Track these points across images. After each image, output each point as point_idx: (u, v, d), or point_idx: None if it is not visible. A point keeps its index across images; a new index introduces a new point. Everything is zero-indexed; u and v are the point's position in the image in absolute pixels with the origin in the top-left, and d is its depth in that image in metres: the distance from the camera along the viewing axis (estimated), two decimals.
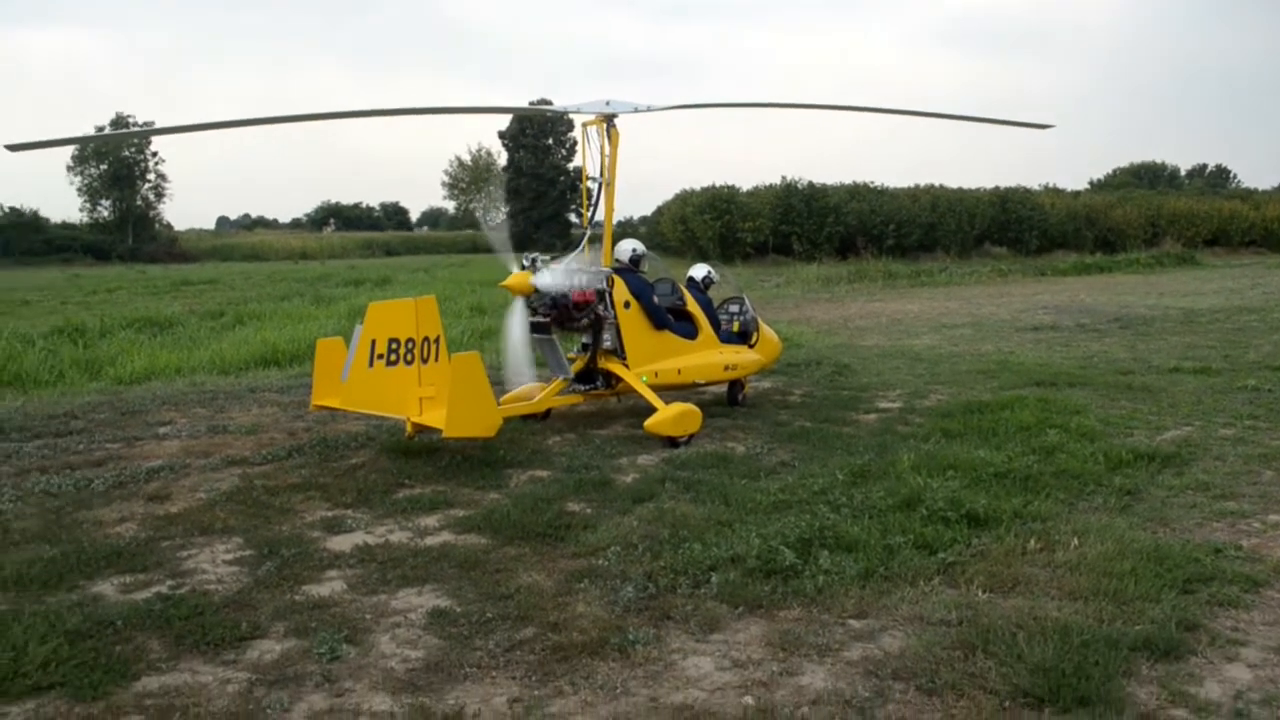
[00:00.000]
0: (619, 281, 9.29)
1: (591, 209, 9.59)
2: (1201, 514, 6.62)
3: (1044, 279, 34.12)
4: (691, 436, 8.89)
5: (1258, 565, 5.61)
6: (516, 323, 8.75)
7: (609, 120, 9.21)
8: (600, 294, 9.09)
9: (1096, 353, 14.70)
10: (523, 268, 8.98)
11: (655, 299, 9.65)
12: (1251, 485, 7.29)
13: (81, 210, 73.55)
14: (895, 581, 5.34)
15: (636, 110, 9.25)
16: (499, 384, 11.56)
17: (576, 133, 9.87)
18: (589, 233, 9.33)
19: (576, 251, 9.29)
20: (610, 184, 9.30)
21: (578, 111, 9.38)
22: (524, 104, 41.60)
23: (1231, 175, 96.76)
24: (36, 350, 14.40)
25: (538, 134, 73.42)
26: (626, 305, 9.27)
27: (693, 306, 10.14)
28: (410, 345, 7.97)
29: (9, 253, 60.82)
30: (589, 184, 9.57)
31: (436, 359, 8.12)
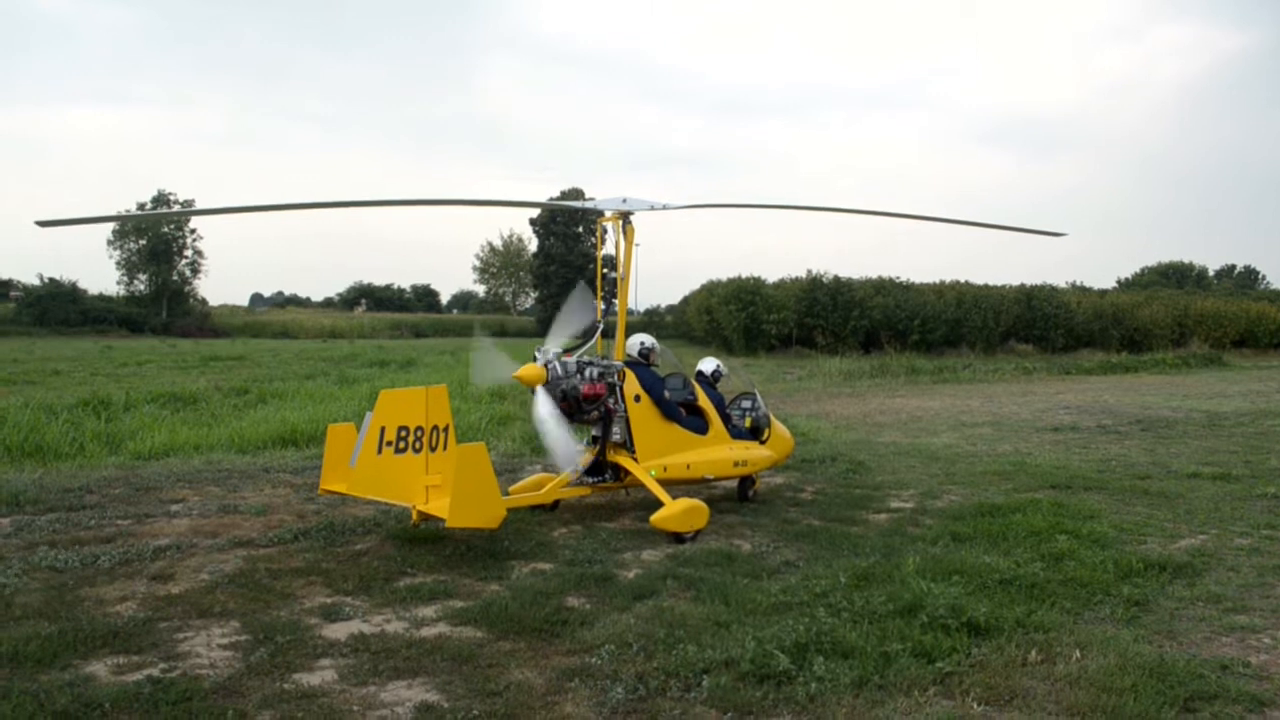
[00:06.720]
0: (630, 375, 9.36)
1: (605, 303, 9.71)
2: (1211, 627, 6.50)
3: (1068, 378, 33.90)
4: (698, 532, 8.85)
5: (1264, 684, 5.50)
6: (544, 410, 8.73)
7: (625, 217, 9.39)
8: (611, 387, 9.15)
9: (1115, 455, 14.55)
10: (533, 359, 9.05)
11: (667, 393, 9.69)
12: (1264, 598, 7.15)
13: (119, 283, 75.39)
14: (889, 691, 5.26)
15: (653, 208, 9.43)
16: (513, 473, 11.60)
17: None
18: (601, 325, 9.44)
19: (589, 344, 9.39)
20: (625, 279, 9.45)
21: (595, 208, 9.59)
22: (555, 193, 42.47)
23: (1260, 276, 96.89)
24: (59, 422, 14.62)
25: (568, 222, 74.69)
26: (637, 399, 9.32)
27: (704, 401, 10.17)
28: (419, 433, 8.04)
29: (45, 323, 62.28)
30: (605, 275, 9.73)
31: (445, 448, 8.18)
